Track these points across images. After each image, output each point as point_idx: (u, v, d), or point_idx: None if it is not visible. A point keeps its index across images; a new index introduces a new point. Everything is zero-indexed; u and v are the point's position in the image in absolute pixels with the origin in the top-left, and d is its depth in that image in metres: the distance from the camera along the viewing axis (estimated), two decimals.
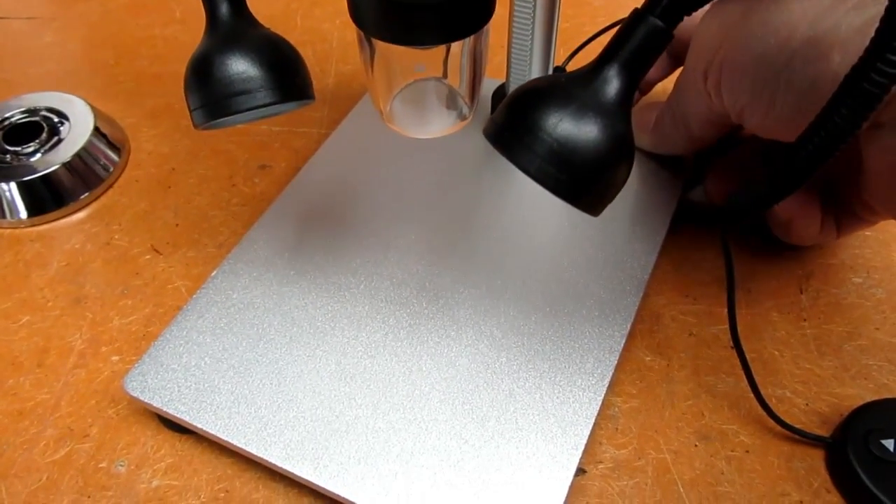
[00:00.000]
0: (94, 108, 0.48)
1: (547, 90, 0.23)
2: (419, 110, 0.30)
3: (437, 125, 0.29)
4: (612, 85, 0.23)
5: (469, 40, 0.28)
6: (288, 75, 0.29)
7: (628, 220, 0.39)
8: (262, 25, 0.30)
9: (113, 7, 0.60)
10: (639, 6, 0.23)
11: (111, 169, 0.46)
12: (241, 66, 0.28)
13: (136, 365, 0.33)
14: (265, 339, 0.34)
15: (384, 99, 0.30)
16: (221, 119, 0.28)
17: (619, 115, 0.23)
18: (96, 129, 0.47)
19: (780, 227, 0.37)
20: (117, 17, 0.59)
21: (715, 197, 0.39)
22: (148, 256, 0.42)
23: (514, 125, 0.23)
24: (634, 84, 0.23)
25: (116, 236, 0.43)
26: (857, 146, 0.31)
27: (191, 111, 0.29)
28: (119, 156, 0.47)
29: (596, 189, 0.23)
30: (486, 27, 0.27)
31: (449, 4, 0.24)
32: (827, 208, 0.37)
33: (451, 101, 0.31)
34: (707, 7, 0.30)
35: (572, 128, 0.23)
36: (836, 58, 0.26)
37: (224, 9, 0.28)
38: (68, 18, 0.59)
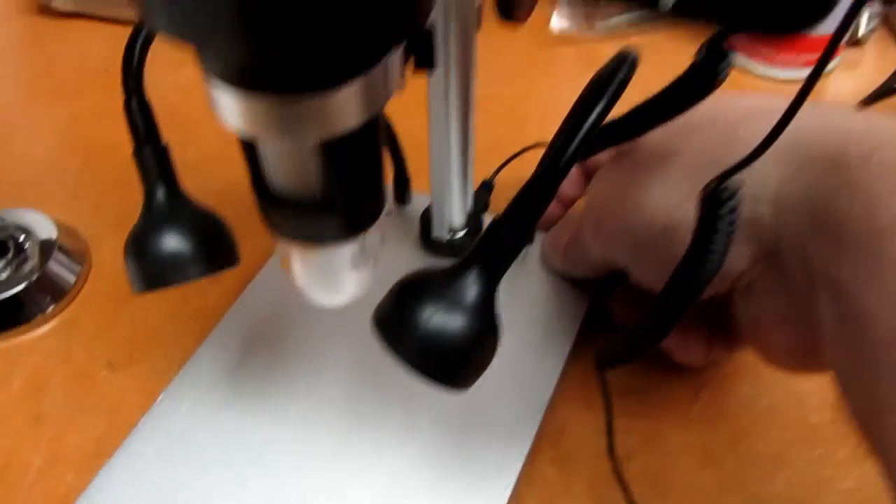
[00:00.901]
0: (57, 223, 0.52)
1: (423, 286, 0.28)
2: (325, 276, 0.33)
3: (347, 291, 0.32)
4: (476, 286, 0.27)
5: None
6: (214, 248, 0.33)
7: (535, 335, 0.43)
8: (193, 202, 0.34)
9: (81, 112, 0.65)
10: (498, 216, 0.28)
11: (74, 281, 0.50)
12: (171, 244, 0.32)
13: (86, 491, 0.37)
14: (204, 467, 0.38)
15: (286, 264, 0.33)
16: (158, 288, 0.32)
17: (481, 310, 0.27)
18: (60, 246, 0.51)
19: (670, 353, 0.41)
20: (85, 121, 0.64)
21: (617, 318, 0.44)
22: (104, 372, 0.46)
23: (392, 316, 0.28)
24: (496, 281, 0.28)
25: (76, 352, 0.47)
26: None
27: (129, 278, 0.33)
28: (81, 270, 0.51)
29: (462, 375, 0.27)
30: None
31: (342, 207, 0.28)
32: (715, 331, 0.41)
33: (360, 258, 0.34)
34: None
35: (442, 321, 0.27)
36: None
37: (160, 192, 0.33)
38: (37, 125, 0.64)
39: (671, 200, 0.32)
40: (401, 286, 0.28)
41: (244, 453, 0.39)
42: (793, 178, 0.28)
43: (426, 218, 0.47)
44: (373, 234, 0.31)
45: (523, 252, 0.46)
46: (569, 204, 0.49)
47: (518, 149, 0.54)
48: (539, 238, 0.47)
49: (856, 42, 0.66)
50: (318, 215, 0.27)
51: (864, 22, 0.65)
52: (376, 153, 0.27)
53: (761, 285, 0.31)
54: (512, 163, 0.54)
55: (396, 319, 0.27)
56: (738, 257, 0.30)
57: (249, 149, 0.26)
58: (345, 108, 0.23)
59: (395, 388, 0.41)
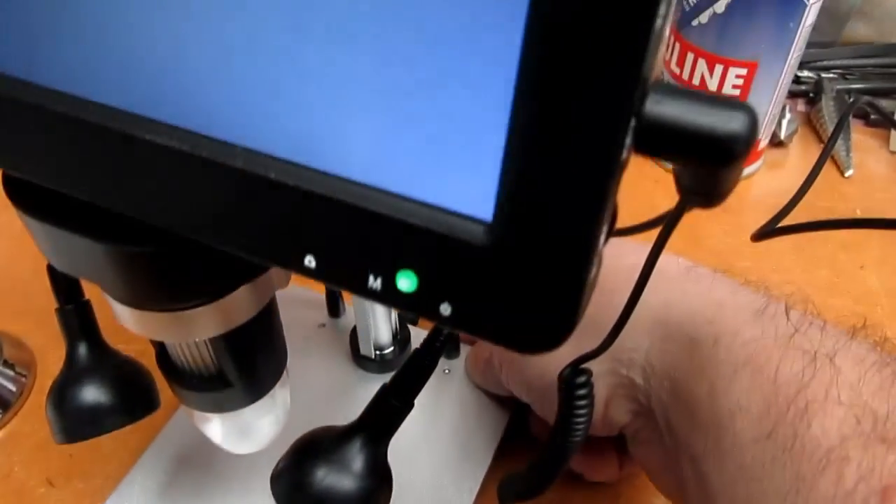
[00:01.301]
0: (2, 335, 0.54)
1: (316, 449, 0.30)
2: (235, 430, 0.35)
3: (258, 439, 0.35)
4: (363, 451, 0.30)
5: None
6: (134, 397, 0.35)
7: (457, 448, 0.45)
8: (114, 353, 0.36)
9: None
10: (386, 384, 0.30)
11: (18, 393, 0.52)
12: (90, 396, 0.34)
13: None
14: None
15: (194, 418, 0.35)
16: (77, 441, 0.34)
17: (369, 472, 0.30)
18: (4, 360, 0.52)
19: (585, 474, 0.44)
20: None
21: (535, 433, 0.46)
22: (42, 490, 0.47)
23: (289, 476, 0.30)
24: (383, 444, 0.30)
25: (17, 468, 0.48)
26: None
27: (51, 430, 0.35)
28: (26, 380, 0.53)
29: None
30: None
31: (242, 382, 0.30)
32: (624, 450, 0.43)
33: (267, 406, 0.36)
34: None
35: (334, 481, 0.29)
36: None
37: (81, 347, 0.35)
38: None
39: (556, 361, 0.34)
40: (295, 448, 0.30)
41: None
42: (658, 351, 0.31)
43: (355, 334, 0.49)
44: (281, 385, 0.33)
45: (446, 367, 0.49)
46: None
47: None
48: (465, 351, 0.50)
49: (778, 143, 0.70)
50: (220, 390, 0.29)
51: (784, 124, 0.69)
52: (272, 328, 0.29)
53: (644, 436, 0.34)
54: None
55: (291, 480, 0.29)
56: (619, 412, 0.33)
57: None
58: (235, 308, 0.25)
59: None
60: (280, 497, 0.30)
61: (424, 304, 0.18)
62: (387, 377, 0.31)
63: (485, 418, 0.47)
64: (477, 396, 0.48)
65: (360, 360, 0.49)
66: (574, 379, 0.28)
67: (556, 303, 0.17)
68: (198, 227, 0.19)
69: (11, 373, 0.52)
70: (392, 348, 0.48)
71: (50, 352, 0.55)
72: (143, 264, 0.21)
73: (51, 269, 0.35)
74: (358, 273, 0.18)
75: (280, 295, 0.28)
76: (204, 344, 0.27)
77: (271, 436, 0.35)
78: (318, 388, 0.49)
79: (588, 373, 0.28)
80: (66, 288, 0.34)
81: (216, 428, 0.33)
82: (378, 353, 0.48)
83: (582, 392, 0.28)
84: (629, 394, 0.32)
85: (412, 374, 0.30)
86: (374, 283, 0.18)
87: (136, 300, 0.24)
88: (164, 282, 0.23)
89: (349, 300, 0.51)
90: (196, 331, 0.25)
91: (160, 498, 0.43)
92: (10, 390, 0.52)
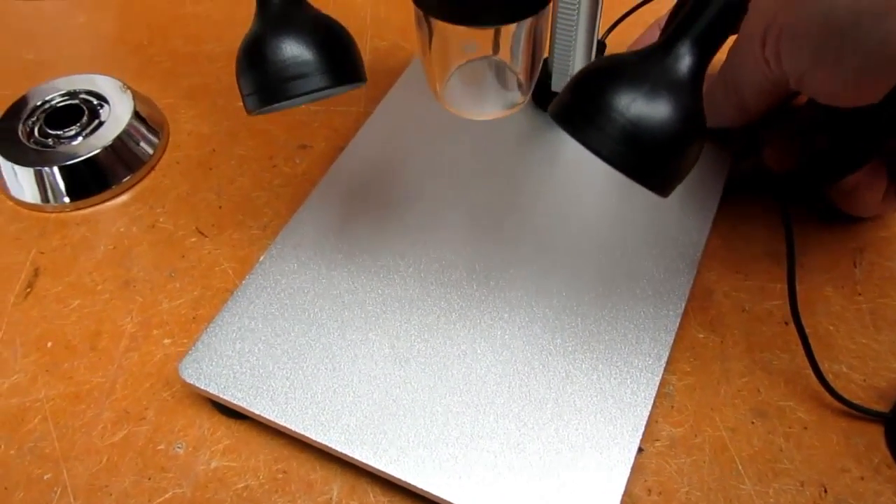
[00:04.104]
0: (132, 90, 0.48)
1: (617, 69, 0.23)
2: (475, 91, 0.30)
3: (493, 107, 0.28)
4: (685, 62, 0.22)
5: (530, 20, 0.27)
6: (341, 58, 0.28)
7: (678, 196, 0.38)
8: (312, 6, 0.29)
9: None
10: None
11: (152, 151, 0.46)
12: (294, 50, 0.28)
13: (190, 352, 0.34)
14: (317, 324, 0.34)
15: (440, 79, 0.30)
16: (275, 105, 0.28)
17: (692, 93, 0.23)
18: (135, 112, 0.46)
19: (844, 196, 0.36)
20: (143, 1, 0.59)
21: (776, 167, 0.38)
22: (193, 239, 0.42)
23: (583, 106, 0.23)
24: (707, 61, 0.23)
25: (161, 219, 0.43)
26: None
27: (243, 96, 0.29)
28: (159, 137, 0.47)
29: (668, 169, 0.23)
30: (548, 6, 0.26)
31: None
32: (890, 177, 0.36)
33: (507, 82, 0.30)
34: None
35: (646, 108, 0.22)
36: None
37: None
38: (96, 2, 0.59)
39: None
40: (589, 72, 0.23)
41: (360, 313, 0.35)
42: None
43: (543, 71, 0.42)
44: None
45: None
46: None
47: (629, 7, 0.49)
48: None
49: None
50: None
51: None
52: None
53: None
54: (621, 24, 0.49)
55: (590, 107, 0.23)
56: None
57: None
58: None
59: (523, 245, 0.37)
60: (572, 128, 0.23)
61: None
62: None
63: (706, 164, 0.40)
64: None
65: (545, 100, 0.42)
66: None
67: None
68: None
69: (143, 127, 0.46)
70: None
71: (180, 111, 0.49)
72: None
73: None
74: None
75: None
76: None
77: (501, 111, 0.28)
78: (501, 130, 0.42)
79: None
80: None
81: (455, 86, 0.26)
82: None
83: None
84: None
85: None
86: None
87: None
88: None
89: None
90: None
91: (336, 238, 0.38)
92: (144, 145, 0.46)
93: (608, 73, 0.23)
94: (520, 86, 0.30)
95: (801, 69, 0.31)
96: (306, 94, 0.28)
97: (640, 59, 0.23)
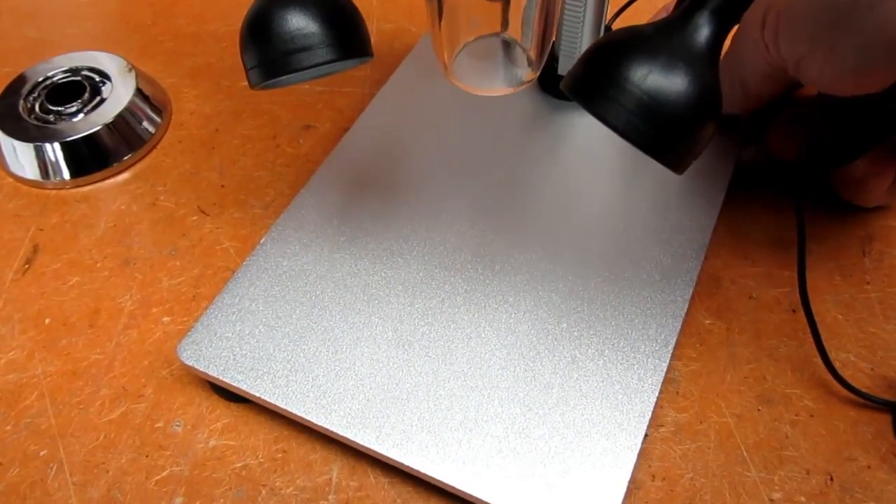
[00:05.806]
0: (135, 68, 0.47)
1: (632, 41, 0.22)
2: (484, 67, 0.29)
3: (501, 83, 0.28)
4: (702, 34, 0.22)
5: None
6: (348, 31, 0.28)
7: (686, 182, 0.38)
8: None
9: None
10: None
11: (154, 129, 0.46)
12: (300, 22, 0.27)
13: (189, 334, 0.33)
14: (319, 306, 0.34)
15: (449, 54, 0.29)
16: (280, 78, 0.27)
17: (708, 66, 0.22)
18: (138, 90, 0.46)
19: (850, 185, 0.36)
20: None
21: (781, 155, 0.38)
22: (194, 217, 0.41)
23: (597, 79, 0.22)
24: (726, 32, 0.22)
25: (162, 197, 0.43)
26: None
27: (247, 70, 0.28)
28: (161, 116, 0.46)
29: (684, 144, 0.22)
30: None
31: None
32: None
33: (517, 59, 0.30)
34: None
35: (662, 80, 0.22)
36: None
37: None
38: None
39: None
40: (603, 44, 0.23)
41: (363, 296, 0.34)
42: None
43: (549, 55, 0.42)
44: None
45: None
46: None
47: None
48: None
49: None
50: None
51: None
52: None
53: None
54: (629, 9, 0.48)
55: (605, 79, 0.22)
56: None
57: None
58: None
59: (529, 229, 0.36)
60: (586, 99, 0.22)
61: None
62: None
63: (715, 147, 0.39)
64: None
65: (551, 84, 0.42)
66: None
67: None
68: None
69: (146, 105, 0.46)
70: None
71: (183, 90, 0.49)
72: None
73: None
74: None
75: None
76: None
77: (510, 87, 0.28)
78: (506, 112, 0.41)
79: None
80: None
81: (464, 63, 0.26)
82: None
83: None
84: None
85: None
86: None
87: None
88: None
89: None
90: None
91: (338, 219, 0.37)
92: (146, 123, 0.46)
93: (623, 44, 0.22)
94: (529, 63, 0.30)
95: (797, 54, 0.30)
96: (312, 66, 0.27)
97: (656, 31, 0.23)
